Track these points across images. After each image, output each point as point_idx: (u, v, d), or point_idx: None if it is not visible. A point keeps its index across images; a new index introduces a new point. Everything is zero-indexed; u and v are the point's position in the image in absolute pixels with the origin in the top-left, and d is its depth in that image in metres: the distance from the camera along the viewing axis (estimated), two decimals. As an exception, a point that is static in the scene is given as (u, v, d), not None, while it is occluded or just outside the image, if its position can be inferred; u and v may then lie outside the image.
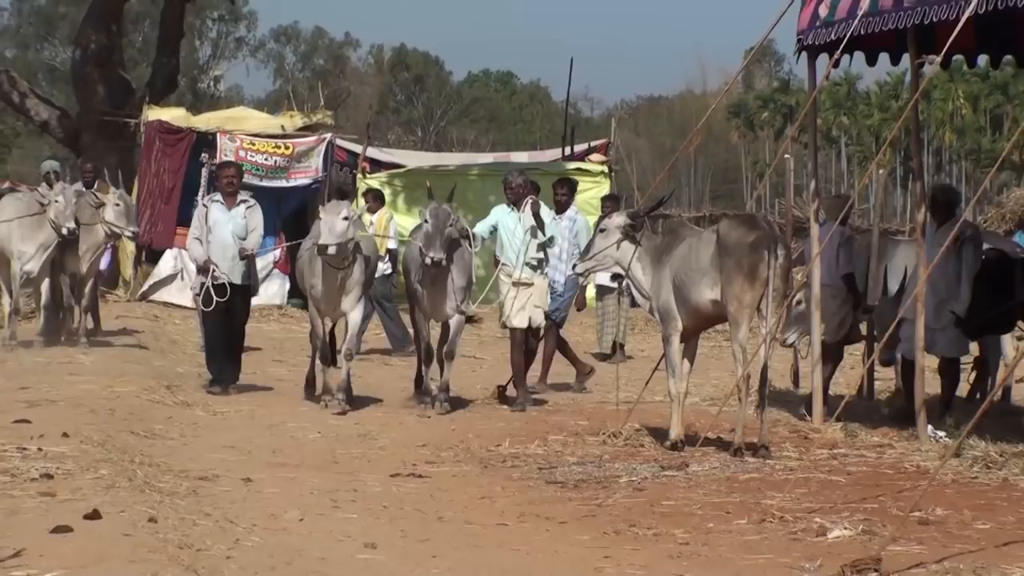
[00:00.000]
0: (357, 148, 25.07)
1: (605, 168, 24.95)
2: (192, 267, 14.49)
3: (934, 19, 10.45)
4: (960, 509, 8.37)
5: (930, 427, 11.09)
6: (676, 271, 10.78)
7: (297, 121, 23.99)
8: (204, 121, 23.96)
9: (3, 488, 7.84)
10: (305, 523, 7.88)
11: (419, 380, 13.32)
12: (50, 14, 70.57)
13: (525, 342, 13.43)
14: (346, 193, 13.76)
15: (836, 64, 11.68)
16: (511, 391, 13.46)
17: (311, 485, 9.06)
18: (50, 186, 16.17)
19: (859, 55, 12.26)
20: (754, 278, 10.38)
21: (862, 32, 11.14)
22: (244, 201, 13.67)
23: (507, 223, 13.41)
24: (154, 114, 23.41)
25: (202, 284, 13.37)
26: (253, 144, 23.08)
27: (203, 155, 22.84)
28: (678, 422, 10.76)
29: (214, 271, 13.33)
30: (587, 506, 8.62)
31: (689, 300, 10.71)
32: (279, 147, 23.13)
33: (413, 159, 26.82)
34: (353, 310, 12.70)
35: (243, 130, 23.51)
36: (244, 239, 13.53)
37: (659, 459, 10.23)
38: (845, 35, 11.13)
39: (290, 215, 23.31)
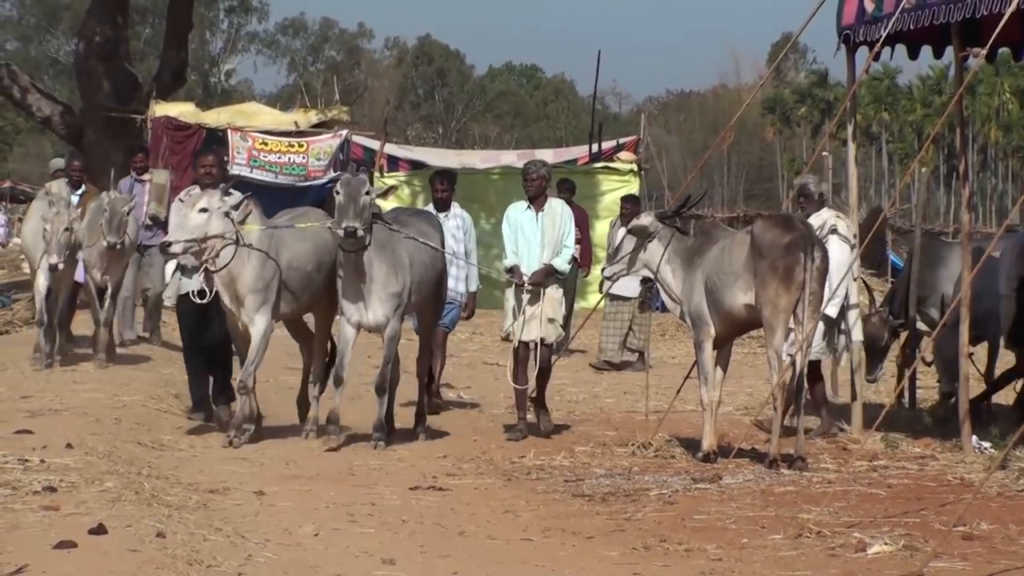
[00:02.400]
0: (374, 145, 24.78)
1: (634, 166, 24.70)
2: (169, 270, 12.88)
3: (984, 12, 10.34)
4: (1006, 523, 8.29)
5: (975, 438, 11.04)
6: (708, 274, 10.66)
7: (311, 117, 23.84)
8: (214, 117, 23.83)
9: (4, 502, 7.76)
10: (320, 538, 7.78)
11: (305, 401, 11.87)
12: (53, 5, 70.52)
13: (536, 360, 11.96)
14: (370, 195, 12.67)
15: (876, 57, 11.57)
16: (528, 408, 12.14)
17: (326, 498, 8.96)
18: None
19: (900, 48, 12.09)
20: (790, 281, 10.27)
21: (910, 27, 11.09)
22: (228, 192, 11.86)
23: (522, 223, 11.92)
24: (161, 109, 23.24)
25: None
26: (266, 144, 22.93)
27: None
28: (711, 432, 10.67)
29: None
30: (615, 520, 8.54)
31: (722, 304, 10.57)
32: (292, 145, 22.94)
33: (433, 156, 26.55)
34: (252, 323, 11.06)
35: (254, 126, 23.37)
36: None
37: (691, 471, 10.18)
38: (895, 31, 11.00)
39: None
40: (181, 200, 11.71)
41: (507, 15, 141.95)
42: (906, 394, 13.66)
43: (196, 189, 11.70)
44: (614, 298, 16.82)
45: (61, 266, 14.12)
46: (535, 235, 11.84)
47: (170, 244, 10.70)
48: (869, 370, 12.59)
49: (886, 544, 7.64)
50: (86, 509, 7.54)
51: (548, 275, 11.77)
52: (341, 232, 10.77)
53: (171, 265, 12.31)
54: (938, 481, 9.85)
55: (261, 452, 10.68)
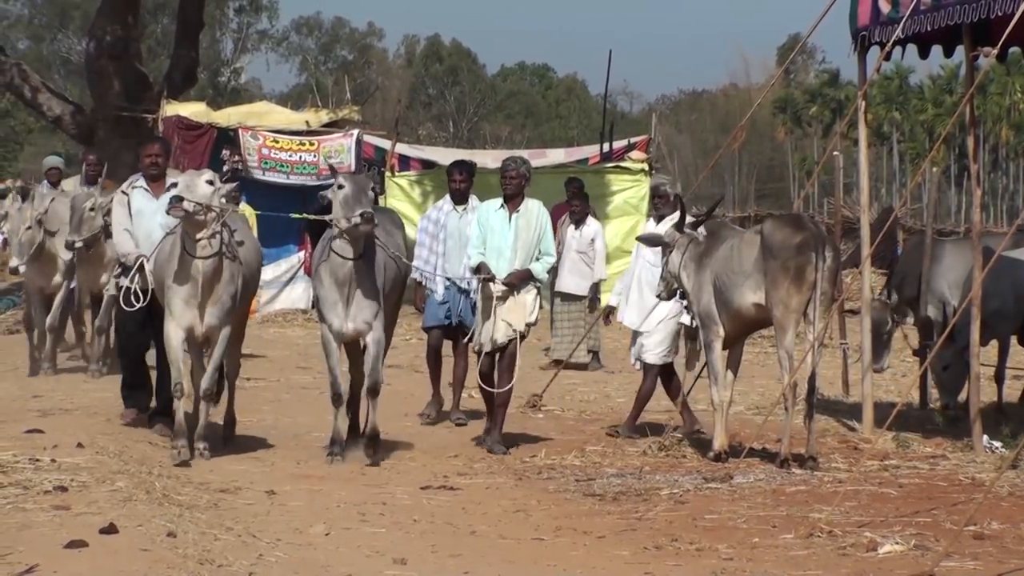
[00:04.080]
0: (385, 144, 24.70)
1: (645, 166, 24.63)
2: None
3: (999, 12, 10.32)
4: (1017, 523, 8.27)
5: (986, 437, 10.99)
6: (717, 273, 10.65)
7: (322, 117, 23.76)
8: (225, 116, 23.72)
9: (15, 501, 7.74)
10: (331, 538, 7.76)
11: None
12: (64, 4, 69.98)
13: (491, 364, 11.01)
14: (373, 191, 11.71)
15: (887, 57, 11.52)
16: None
17: (337, 498, 8.95)
18: (53, 185, 15.71)
19: (911, 48, 12.05)
20: (801, 281, 10.24)
21: (927, 28, 11.09)
22: (175, 185, 10.77)
23: (492, 224, 10.96)
24: (172, 109, 23.15)
25: (118, 285, 10.99)
26: (277, 142, 22.88)
27: (224, 152, 22.60)
28: (722, 432, 10.64)
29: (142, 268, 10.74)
30: (626, 520, 8.52)
31: (731, 304, 10.55)
32: (304, 144, 22.89)
33: (444, 156, 26.47)
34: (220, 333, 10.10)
35: (265, 126, 23.29)
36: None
37: (702, 470, 10.15)
38: (911, 32, 10.99)
39: (316, 213, 23.03)
40: (124, 193, 11.06)
41: (519, 15, 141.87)
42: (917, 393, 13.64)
43: (140, 180, 11.13)
44: (564, 297, 16.72)
45: (23, 268, 13.42)
46: (506, 238, 10.91)
47: (181, 199, 9.82)
48: (876, 358, 12.54)
49: (897, 543, 7.62)
50: (97, 508, 7.53)
51: (524, 279, 10.86)
52: (357, 218, 9.91)
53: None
54: (949, 481, 9.81)
55: (272, 452, 10.66)
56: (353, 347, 10.62)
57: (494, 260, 10.87)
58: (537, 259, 10.94)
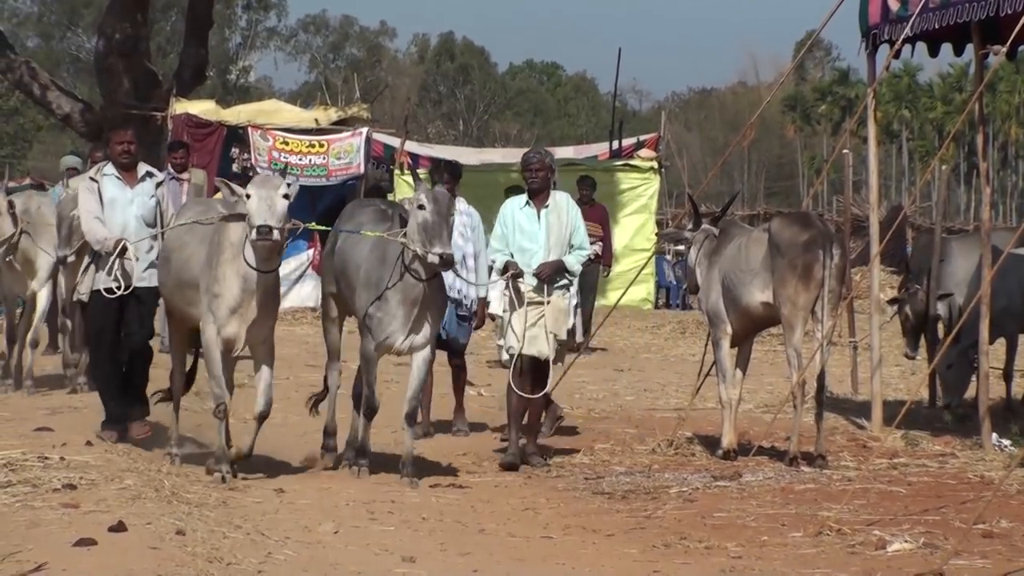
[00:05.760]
0: (395, 142, 24.70)
1: (655, 164, 24.62)
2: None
3: (1008, 11, 10.32)
4: None
5: (995, 435, 10.96)
6: (725, 272, 10.66)
7: (331, 115, 23.73)
8: (234, 114, 23.71)
9: (24, 499, 7.71)
10: (340, 536, 7.74)
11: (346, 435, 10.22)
12: (73, 1, 69.89)
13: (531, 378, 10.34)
14: (383, 190, 10.79)
15: (897, 55, 11.49)
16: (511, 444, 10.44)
17: (346, 496, 8.93)
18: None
19: (920, 46, 12.03)
20: (809, 279, 10.23)
21: (937, 26, 11.10)
22: (151, 175, 10.43)
23: (520, 223, 10.31)
24: (182, 107, 23.14)
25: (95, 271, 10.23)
26: (287, 144, 22.87)
27: (233, 150, 22.60)
28: (730, 430, 10.64)
29: (125, 251, 10.05)
30: (635, 518, 8.51)
31: (739, 302, 10.55)
32: (313, 146, 22.88)
33: (454, 154, 26.44)
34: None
35: (274, 124, 23.27)
36: (152, 224, 10.27)
37: (711, 469, 10.14)
38: (921, 29, 10.99)
39: (324, 212, 22.99)
40: (94, 180, 10.24)
41: (528, 13, 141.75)
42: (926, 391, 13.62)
43: (109, 166, 10.34)
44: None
45: (72, 259, 12.26)
46: (537, 237, 10.21)
47: (270, 229, 8.86)
48: (913, 346, 12.71)
49: (906, 542, 7.61)
50: (106, 507, 7.51)
51: (558, 271, 10.22)
52: (435, 258, 9.04)
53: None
54: (958, 479, 9.78)
55: (281, 450, 10.64)
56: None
57: (526, 263, 10.18)
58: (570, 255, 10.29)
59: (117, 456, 9.18)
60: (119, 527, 6.91)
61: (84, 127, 24.44)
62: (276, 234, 8.89)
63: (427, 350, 9.54)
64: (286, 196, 9.02)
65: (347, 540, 7.62)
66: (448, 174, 11.07)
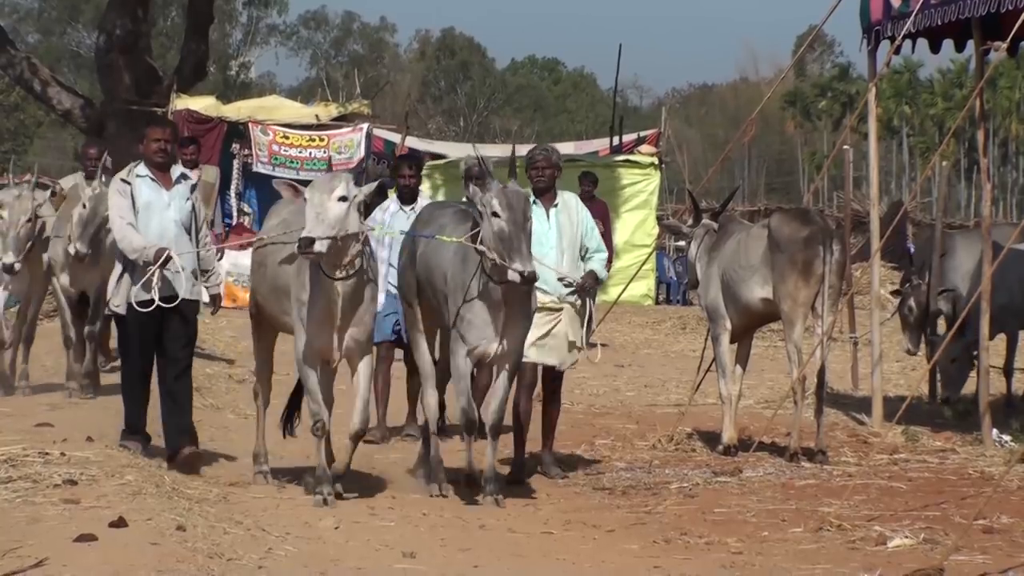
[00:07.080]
0: (395, 138, 24.69)
1: (655, 160, 24.61)
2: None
3: (1009, 7, 10.34)
4: None
5: (995, 431, 10.97)
6: (724, 268, 10.67)
7: (332, 111, 23.74)
8: (235, 110, 23.72)
9: (25, 495, 7.68)
10: (341, 531, 7.72)
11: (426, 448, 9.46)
12: (74, -3, 70.13)
13: (537, 386, 9.89)
14: (384, 187, 10.10)
15: (897, 51, 11.52)
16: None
17: (347, 491, 8.85)
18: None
19: (921, 42, 12.04)
20: (809, 275, 10.25)
21: (938, 22, 11.14)
22: (185, 177, 9.50)
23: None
24: (182, 103, 23.16)
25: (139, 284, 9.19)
26: (287, 138, 22.89)
27: (234, 146, 22.59)
28: (731, 426, 10.66)
29: (168, 261, 9.10)
30: (636, 514, 8.51)
31: (738, 298, 10.56)
32: (313, 140, 22.87)
33: (454, 150, 26.42)
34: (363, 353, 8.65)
35: (275, 120, 23.27)
36: (190, 231, 9.38)
37: (711, 464, 10.14)
38: (922, 26, 11.00)
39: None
40: (126, 182, 9.26)
41: (528, 8, 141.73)
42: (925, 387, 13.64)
43: (141, 166, 9.36)
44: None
45: (18, 267, 11.78)
46: (548, 239, 9.53)
47: (313, 241, 8.08)
48: (914, 344, 12.77)
49: (906, 537, 7.60)
50: (106, 502, 7.47)
51: (596, 284, 9.72)
52: (516, 276, 8.34)
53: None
54: (958, 475, 9.79)
55: (282, 446, 10.63)
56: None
57: (536, 265, 8.85)
58: (583, 259, 9.70)
59: (117, 452, 9.12)
60: (120, 523, 6.88)
61: (84, 123, 24.42)
62: (320, 245, 8.06)
63: (514, 360, 8.84)
64: (343, 198, 8.20)
65: (347, 536, 7.60)
66: (412, 167, 10.97)
